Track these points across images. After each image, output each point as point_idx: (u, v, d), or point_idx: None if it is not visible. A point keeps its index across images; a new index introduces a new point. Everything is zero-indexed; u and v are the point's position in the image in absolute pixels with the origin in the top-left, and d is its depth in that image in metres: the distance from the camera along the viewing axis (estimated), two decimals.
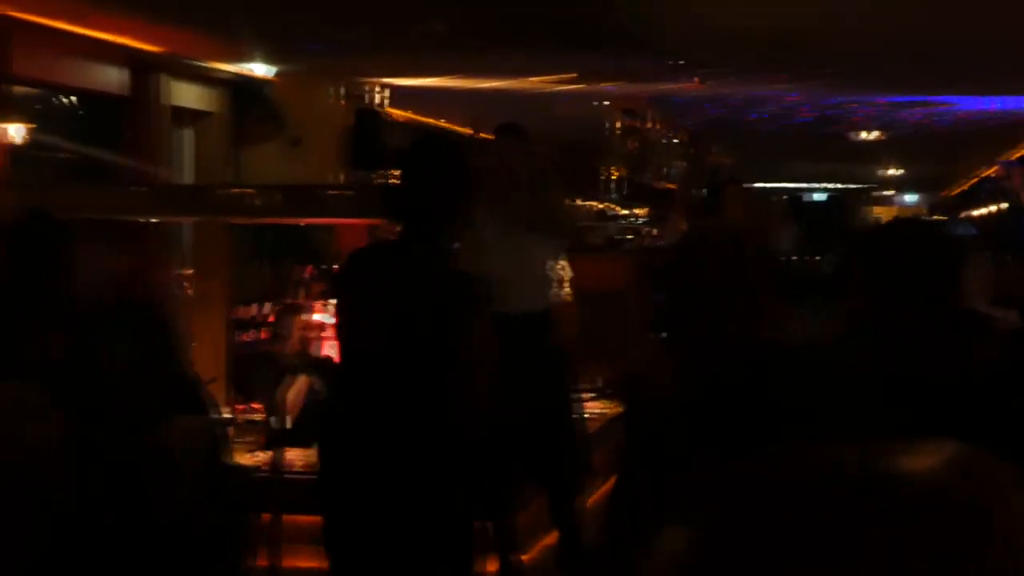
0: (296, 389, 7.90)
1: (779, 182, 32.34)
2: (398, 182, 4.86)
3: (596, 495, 8.56)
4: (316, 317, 8.62)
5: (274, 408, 6.69)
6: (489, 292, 4.68)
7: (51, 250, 4.54)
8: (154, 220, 10.36)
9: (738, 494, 1.05)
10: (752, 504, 1.03)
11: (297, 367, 8.04)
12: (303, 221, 9.88)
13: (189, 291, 9.17)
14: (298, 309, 8.49)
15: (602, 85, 14.58)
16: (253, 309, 11.32)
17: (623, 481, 3.03)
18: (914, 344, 2.90)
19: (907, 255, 3.12)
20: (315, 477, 5.98)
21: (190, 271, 9.30)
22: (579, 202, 9.38)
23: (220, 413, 6.61)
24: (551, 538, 7.73)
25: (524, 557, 7.42)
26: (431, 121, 18.07)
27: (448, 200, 4.71)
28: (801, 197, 34.05)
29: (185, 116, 13.23)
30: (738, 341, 2.82)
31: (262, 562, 6.32)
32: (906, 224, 3.66)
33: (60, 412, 3.89)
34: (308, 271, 9.90)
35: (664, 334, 3.20)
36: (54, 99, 12.18)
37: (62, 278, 4.54)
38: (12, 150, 9.84)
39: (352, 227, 9.67)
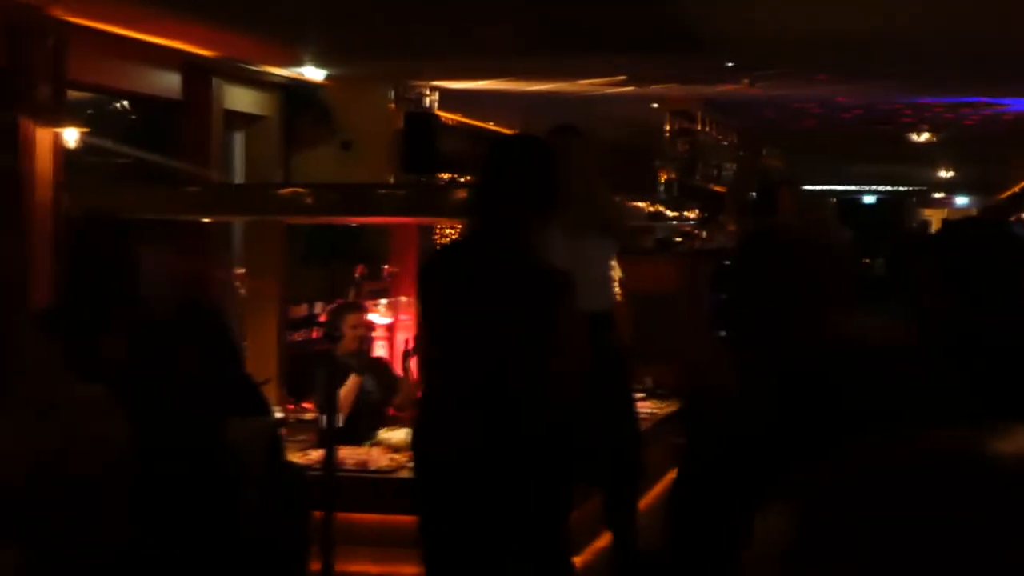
0: (348, 388, 7.93)
1: (829, 184, 32.22)
2: (484, 178, 4.83)
3: (649, 497, 8.57)
4: (370, 317, 8.65)
5: (327, 406, 6.72)
6: (575, 286, 4.69)
7: (115, 252, 4.59)
8: (208, 220, 10.44)
9: (837, 479, 1.07)
10: (851, 488, 1.05)
11: (351, 366, 8.07)
12: (356, 220, 9.91)
13: (242, 291, 9.23)
14: (352, 308, 8.52)
15: (651, 87, 14.57)
16: (304, 308, 11.39)
17: (686, 482, 3.03)
18: (993, 342, 2.91)
19: (982, 255, 3.12)
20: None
21: (242, 270, 9.35)
22: (630, 203, 9.38)
23: (275, 414, 6.65)
24: (603, 541, 7.73)
25: (576, 560, 7.40)
26: (480, 124, 18.10)
27: (536, 197, 4.74)
28: (852, 199, 33.95)
29: (237, 120, 13.30)
30: (808, 340, 2.83)
31: (315, 565, 6.35)
32: (976, 224, 3.65)
33: (127, 413, 3.92)
34: (359, 271, 9.97)
35: (725, 333, 3.20)
36: (108, 103, 12.28)
37: (126, 280, 4.58)
38: (67, 154, 9.92)
39: (404, 228, 9.71)
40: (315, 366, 8.21)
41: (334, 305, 9.43)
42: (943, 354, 2.84)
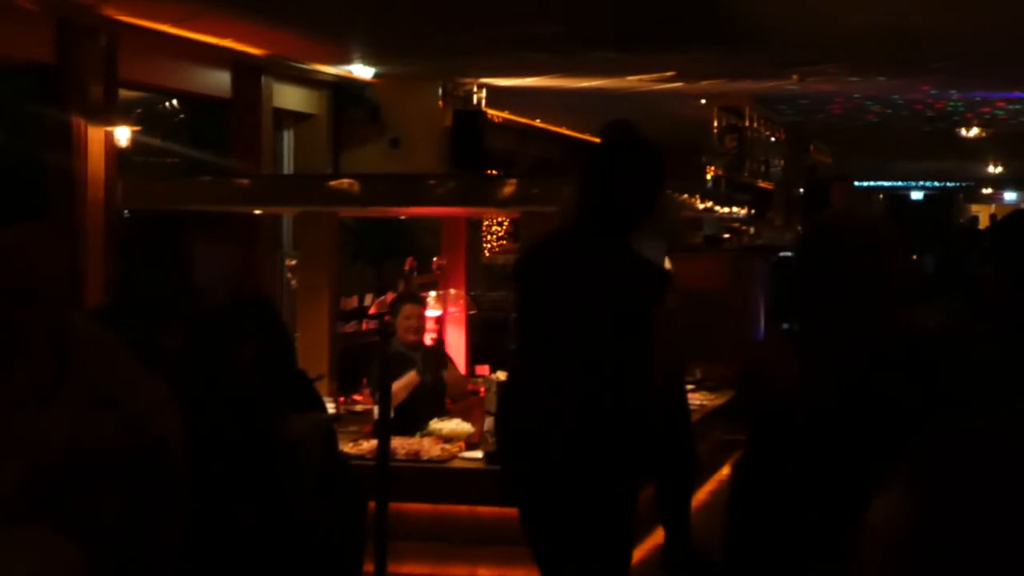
0: (404, 382, 7.92)
1: (876, 180, 32.08)
2: (594, 176, 4.89)
3: (700, 492, 8.54)
4: (426, 310, 8.64)
5: (382, 398, 6.73)
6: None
7: (171, 248, 4.62)
8: (259, 212, 10.46)
9: (955, 459, 1.07)
10: (971, 466, 1.05)
11: (408, 358, 8.05)
12: (406, 211, 9.87)
13: (293, 282, 9.23)
14: (408, 299, 8.51)
15: (700, 83, 14.53)
16: (355, 300, 11.43)
17: (751, 477, 3.00)
18: None
19: None
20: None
21: (293, 262, 9.36)
22: (682, 198, 9.36)
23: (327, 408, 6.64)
24: (657, 536, 7.69)
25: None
26: (527, 121, 18.11)
27: (641, 197, 4.86)
28: (899, 195, 33.78)
29: (286, 118, 13.36)
30: (881, 331, 2.82)
31: (369, 566, 6.34)
32: None
33: (186, 407, 3.94)
34: (409, 263, 10.00)
35: (788, 326, 3.19)
36: (158, 102, 12.34)
37: (182, 275, 4.61)
38: (119, 153, 9.98)
39: (453, 221, 9.71)
40: (370, 357, 8.22)
41: (391, 296, 9.45)
42: (1010, 343, 2.82)
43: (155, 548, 3.89)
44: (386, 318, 8.24)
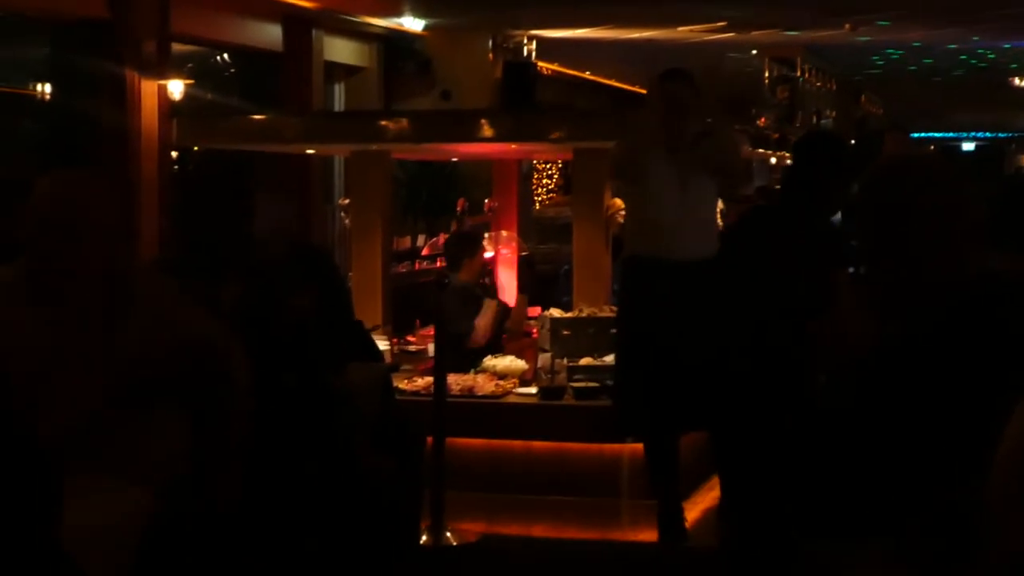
0: (488, 313, 8.03)
1: (927, 131, 31.84)
2: (803, 163, 5.71)
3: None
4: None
5: (437, 334, 6.81)
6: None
7: (234, 199, 4.63)
8: (311, 152, 10.44)
9: None
10: None
11: (475, 293, 8.11)
12: (459, 149, 9.81)
13: (346, 221, 9.22)
14: (479, 241, 8.55)
15: (752, 33, 14.42)
16: (408, 241, 11.45)
17: (830, 426, 2.98)
18: None
19: None
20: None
21: (347, 201, 9.33)
22: (748, 147, 9.31)
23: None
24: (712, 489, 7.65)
25: (685, 504, 7.30)
26: (578, 74, 18.04)
27: (836, 186, 5.60)
28: (950, 146, 33.53)
29: (337, 71, 13.36)
30: (957, 273, 2.80)
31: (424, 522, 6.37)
32: None
33: (250, 356, 3.96)
34: (460, 204, 10.02)
35: (854, 270, 3.17)
36: (210, 56, 12.36)
37: (243, 226, 4.62)
38: (172, 106, 9.99)
39: (505, 163, 9.67)
40: (433, 292, 8.28)
41: (444, 237, 9.47)
42: None
43: (219, 488, 3.92)
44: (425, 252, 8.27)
